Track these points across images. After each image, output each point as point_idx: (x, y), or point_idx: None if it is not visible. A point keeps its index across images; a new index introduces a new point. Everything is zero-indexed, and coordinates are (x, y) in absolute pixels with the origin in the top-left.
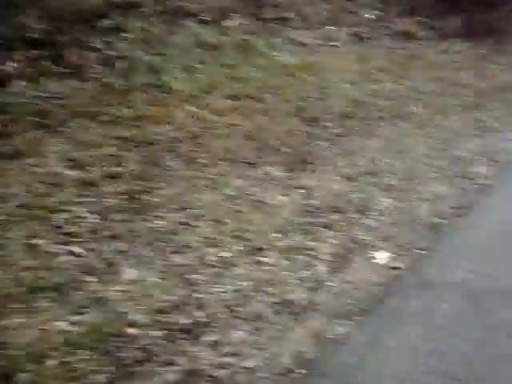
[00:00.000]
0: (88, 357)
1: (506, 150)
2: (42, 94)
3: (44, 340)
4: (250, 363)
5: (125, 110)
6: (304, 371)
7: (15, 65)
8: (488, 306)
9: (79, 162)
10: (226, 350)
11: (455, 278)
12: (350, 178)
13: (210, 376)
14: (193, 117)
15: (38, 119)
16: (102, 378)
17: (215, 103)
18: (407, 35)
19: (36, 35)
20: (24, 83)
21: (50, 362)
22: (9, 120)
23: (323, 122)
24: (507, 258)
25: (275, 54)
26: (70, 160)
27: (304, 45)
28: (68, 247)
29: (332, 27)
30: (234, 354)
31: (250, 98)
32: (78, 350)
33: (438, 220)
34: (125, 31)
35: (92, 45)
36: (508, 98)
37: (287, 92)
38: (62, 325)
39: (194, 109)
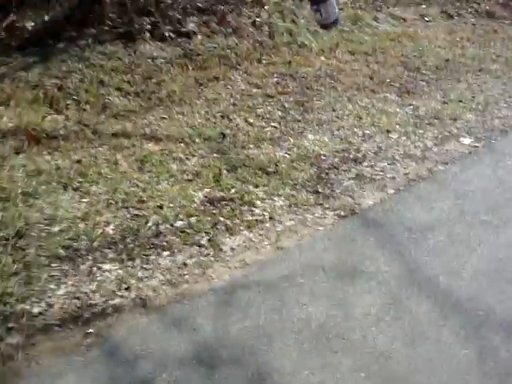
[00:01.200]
0: None
1: None
2: (215, 46)
3: None
4: None
5: (277, 58)
6: None
7: (194, 25)
8: None
9: (257, 84)
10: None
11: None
12: (444, 102)
13: None
14: (326, 64)
15: (220, 60)
16: None
17: (339, 56)
18: (490, 14)
19: (205, 5)
20: (202, 38)
21: None
22: (202, 60)
23: (422, 71)
24: None
25: (379, 25)
26: (255, 84)
27: (403, 19)
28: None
29: (425, 6)
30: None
31: (365, 53)
32: None
33: (504, 127)
34: (264, 5)
35: (244, 13)
36: None
37: (392, 51)
38: None
39: (324, 59)
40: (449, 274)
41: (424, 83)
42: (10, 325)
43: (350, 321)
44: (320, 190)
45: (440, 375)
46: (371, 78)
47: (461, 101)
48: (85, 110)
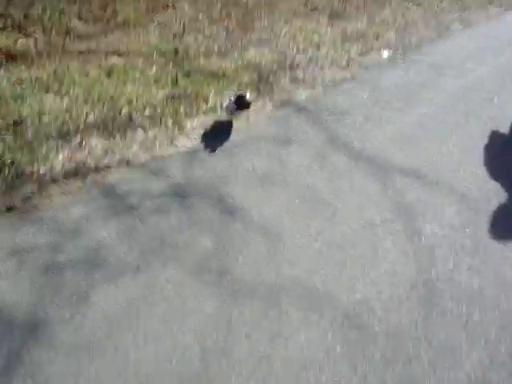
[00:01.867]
0: None
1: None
2: None
3: None
4: None
5: None
6: None
7: None
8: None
9: (203, 10)
10: None
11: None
12: (369, 24)
13: None
14: None
15: None
16: None
17: None
18: None
19: None
20: None
21: None
22: None
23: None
24: None
25: None
26: (202, 10)
27: None
28: None
29: None
30: None
31: None
32: None
33: (419, 43)
34: None
35: None
36: None
37: None
38: None
39: None
40: (362, 141)
41: (352, 8)
42: (24, 178)
43: (287, 170)
44: (261, 89)
45: (350, 199)
46: (305, 5)
47: (384, 22)
48: (51, 33)
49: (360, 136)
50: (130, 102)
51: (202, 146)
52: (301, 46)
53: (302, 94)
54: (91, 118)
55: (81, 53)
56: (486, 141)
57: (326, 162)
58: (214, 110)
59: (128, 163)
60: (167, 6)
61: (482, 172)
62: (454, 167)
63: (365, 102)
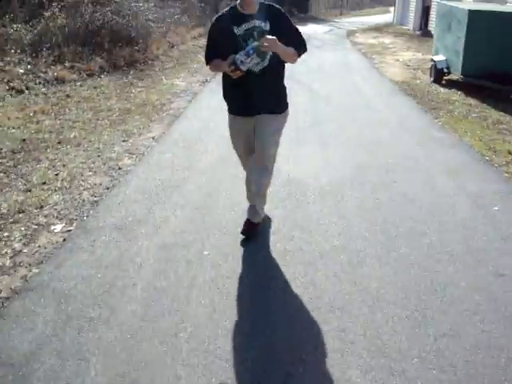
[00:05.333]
0: None
1: (145, 145)
2: None
3: None
4: None
5: None
6: None
7: None
8: None
9: None
10: None
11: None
12: (27, 190)
13: None
14: None
15: None
16: None
17: None
18: (60, 80)
19: None
20: None
21: None
22: None
23: None
24: None
25: None
26: None
27: None
28: None
29: None
30: None
31: None
32: None
33: (94, 198)
34: None
35: None
36: (145, 111)
37: None
38: None
39: None
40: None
41: (2, 174)
42: None
43: None
44: None
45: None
46: None
47: (45, 183)
48: None
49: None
50: None
51: None
52: None
53: None
54: None
55: None
56: None
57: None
58: None
59: None
60: None
61: None
62: None
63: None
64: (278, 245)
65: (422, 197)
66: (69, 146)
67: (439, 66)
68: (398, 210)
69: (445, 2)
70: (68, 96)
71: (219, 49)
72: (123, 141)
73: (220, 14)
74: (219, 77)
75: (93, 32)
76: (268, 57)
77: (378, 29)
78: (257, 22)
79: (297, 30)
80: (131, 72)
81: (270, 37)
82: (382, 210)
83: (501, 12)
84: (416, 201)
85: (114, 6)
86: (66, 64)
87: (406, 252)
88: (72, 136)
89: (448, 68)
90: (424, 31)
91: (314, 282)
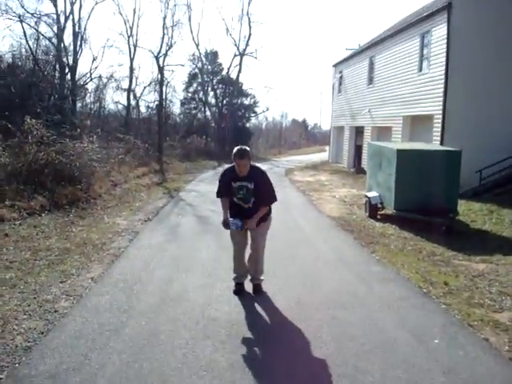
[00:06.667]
0: None
1: (83, 286)
2: None
3: None
4: None
5: None
6: None
7: None
8: None
9: None
10: None
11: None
12: None
13: None
14: None
15: None
16: None
17: None
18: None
19: None
20: None
21: None
22: None
23: None
24: None
25: None
26: None
27: None
28: None
29: None
30: None
31: None
32: None
33: (27, 343)
34: None
35: None
36: (85, 251)
37: None
38: None
39: None
40: None
41: None
42: None
43: None
44: None
45: None
46: None
47: None
48: None
49: None
50: None
51: None
52: None
53: None
54: None
55: None
56: None
57: None
58: None
59: None
60: None
61: None
62: None
63: None
64: None
65: (364, 333)
66: (3, 288)
67: (373, 202)
68: (340, 348)
69: (374, 143)
70: (6, 235)
71: (224, 188)
72: (61, 282)
73: (227, 168)
74: (160, 216)
75: (36, 171)
76: (251, 201)
77: (315, 167)
78: (245, 183)
79: (270, 185)
80: (73, 211)
81: (249, 221)
82: (323, 349)
83: (426, 150)
84: (358, 338)
85: (58, 146)
86: (7, 202)
87: None
88: (8, 277)
89: (382, 203)
90: (358, 168)
91: None
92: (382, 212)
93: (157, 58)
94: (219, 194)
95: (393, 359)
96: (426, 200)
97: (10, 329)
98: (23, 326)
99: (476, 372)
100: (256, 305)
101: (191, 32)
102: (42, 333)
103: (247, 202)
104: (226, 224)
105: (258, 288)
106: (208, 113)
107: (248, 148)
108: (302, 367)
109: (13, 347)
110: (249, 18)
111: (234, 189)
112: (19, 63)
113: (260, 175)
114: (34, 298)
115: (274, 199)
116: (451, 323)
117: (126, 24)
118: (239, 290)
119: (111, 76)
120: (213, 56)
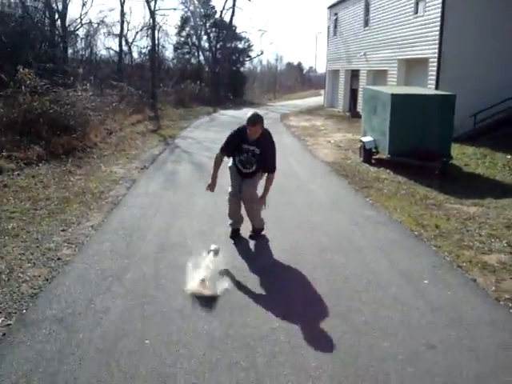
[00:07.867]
0: None
1: (84, 234)
2: None
3: None
4: None
5: None
6: None
7: None
8: None
9: None
10: None
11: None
12: None
13: None
14: None
15: None
16: None
17: None
18: None
19: None
20: None
21: None
22: None
23: None
24: None
25: None
26: None
27: None
28: None
29: None
30: None
31: None
32: None
33: (33, 291)
34: None
35: None
36: (84, 199)
37: None
38: None
39: None
40: None
41: None
42: None
43: None
44: None
45: None
46: None
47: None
48: None
49: None
50: None
51: None
52: None
53: None
54: None
55: None
56: None
57: None
58: None
59: None
60: None
61: None
62: None
63: None
64: (218, 332)
65: (356, 275)
66: (7, 238)
67: (368, 147)
68: (334, 288)
69: (369, 87)
70: (5, 186)
71: (230, 147)
72: (62, 230)
73: (240, 128)
74: (156, 163)
75: (31, 121)
76: (253, 167)
77: (310, 111)
78: (252, 147)
79: (274, 155)
80: (69, 160)
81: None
82: (318, 289)
83: (421, 95)
84: (350, 279)
85: (52, 96)
86: (4, 153)
87: (344, 330)
88: (10, 227)
89: (376, 148)
90: (353, 112)
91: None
92: (377, 157)
93: (148, 2)
94: (223, 150)
95: (384, 299)
96: (420, 144)
97: (16, 277)
98: (28, 274)
99: (463, 311)
100: (252, 248)
101: None
102: (47, 280)
103: (247, 165)
104: (211, 186)
105: (255, 235)
106: (202, 57)
107: (261, 115)
108: (297, 306)
109: (19, 294)
110: None
111: (241, 149)
112: (8, 11)
113: (269, 144)
114: (37, 246)
115: (274, 169)
116: (441, 264)
117: None
118: (235, 235)
119: (102, 21)
120: None
